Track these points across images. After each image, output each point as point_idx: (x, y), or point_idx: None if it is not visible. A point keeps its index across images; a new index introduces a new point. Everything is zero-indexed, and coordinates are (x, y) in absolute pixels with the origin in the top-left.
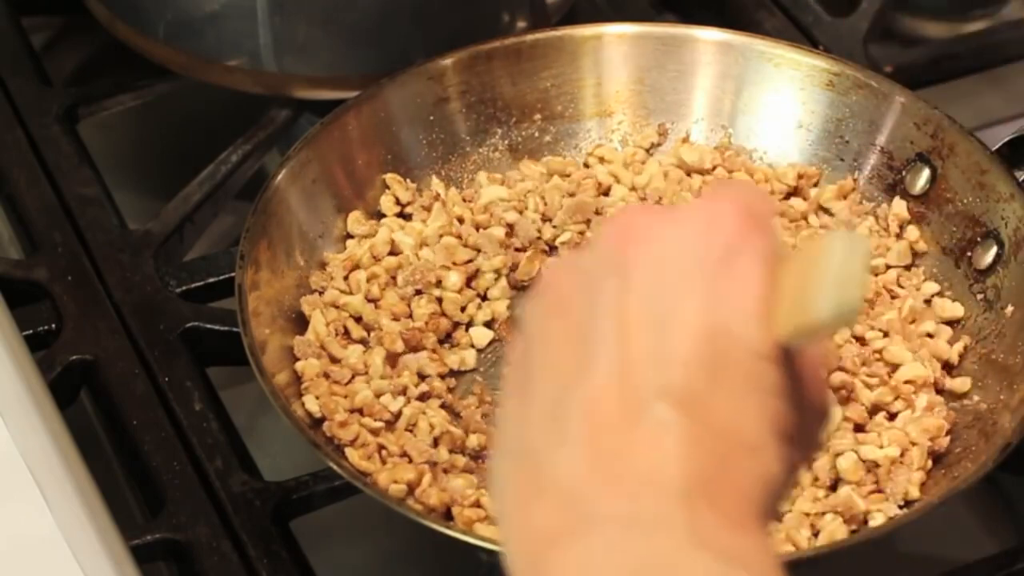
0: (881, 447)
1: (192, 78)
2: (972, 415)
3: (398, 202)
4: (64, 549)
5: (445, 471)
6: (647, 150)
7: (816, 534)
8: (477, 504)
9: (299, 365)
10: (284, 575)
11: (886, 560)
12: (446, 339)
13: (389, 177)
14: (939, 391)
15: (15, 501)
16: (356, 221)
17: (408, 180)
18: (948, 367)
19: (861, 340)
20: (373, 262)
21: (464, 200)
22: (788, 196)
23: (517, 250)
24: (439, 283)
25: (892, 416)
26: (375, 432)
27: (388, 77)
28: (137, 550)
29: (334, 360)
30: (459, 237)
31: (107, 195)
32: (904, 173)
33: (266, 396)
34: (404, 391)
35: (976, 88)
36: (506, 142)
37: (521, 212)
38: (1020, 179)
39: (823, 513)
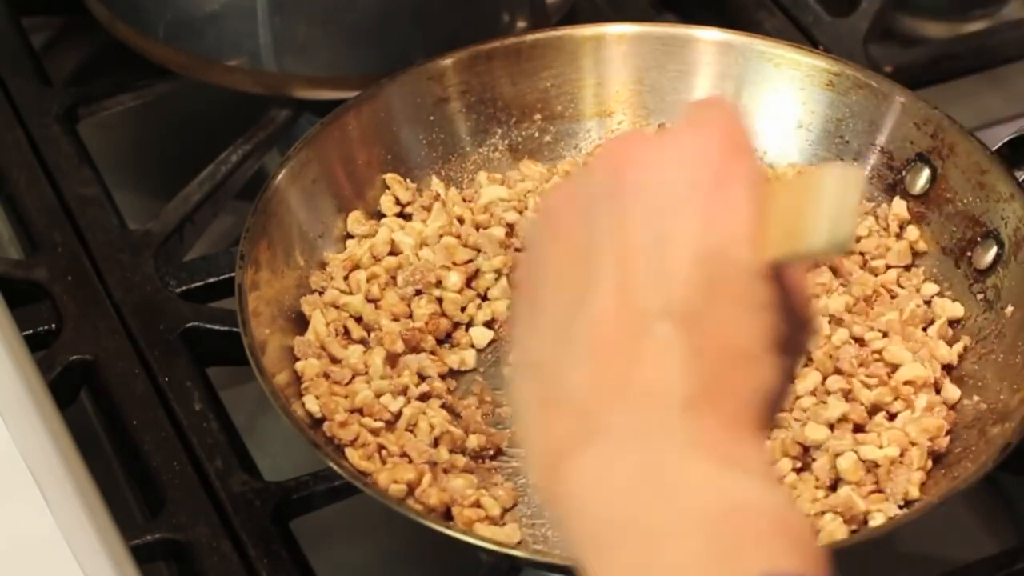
0: (881, 447)
1: (192, 78)
2: (972, 415)
3: (398, 202)
4: (64, 549)
5: (445, 471)
6: None
7: (816, 534)
8: (477, 504)
9: (299, 365)
10: (284, 575)
11: (886, 560)
12: (446, 339)
13: (389, 177)
14: (938, 391)
15: (15, 501)
16: (356, 221)
17: (408, 180)
18: (948, 367)
19: (860, 341)
20: (373, 262)
21: (464, 200)
22: None
23: (517, 250)
24: (439, 283)
25: (892, 416)
26: (375, 432)
27: (388, 77)
28: (137, 550)
29: (334, 360)
30: (459, 237)
31: (107, 195)
32: (904, 173)
33: (266, 396)
34: (404, 391)
35: (976, 88)
36: (506, 142)
37: (521, 212)
38: (1020, 179)
39: (823, 513)
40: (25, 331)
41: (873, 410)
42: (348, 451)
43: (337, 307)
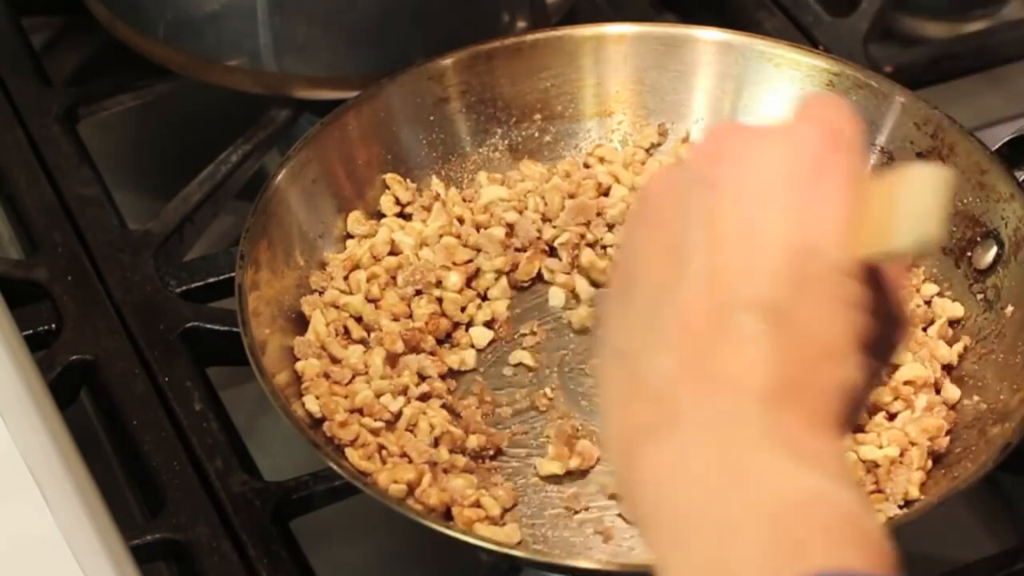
0: (881, 447)
1: (192, 78)
2: (972, 415)
3: (398, 202)
4: (64, 549)
5: (445, 471)
6: (647, 150)
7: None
8: (477, 504)
9: (299, 365)
10: (284, 575)
11: None
12: (446, 339)
13: (389, 177)
14: (938, 391)
15: (15, 501)
16: (356, 221)
17: (408, 180)
18: (948, 367)
19: None
20: (373, 262)
21: (464, 200)
22: None
23: (517, 250)
24: (439, 283)
25: (892, 416)
26: (375, 432)
27: (388, 77)
28: (137, 550)
29: (334, 360)
30: (459, 237)
31: (107, 195)
32: None
33: (266, 396)
34: (404, 391)
35: (976, 88)
36: (506, 142)
37: (521, 212)
38: (1020, 179)
39: None
40: (25, 331)
41: (873, 410)
42: (348, 451)
43: (337, 307)
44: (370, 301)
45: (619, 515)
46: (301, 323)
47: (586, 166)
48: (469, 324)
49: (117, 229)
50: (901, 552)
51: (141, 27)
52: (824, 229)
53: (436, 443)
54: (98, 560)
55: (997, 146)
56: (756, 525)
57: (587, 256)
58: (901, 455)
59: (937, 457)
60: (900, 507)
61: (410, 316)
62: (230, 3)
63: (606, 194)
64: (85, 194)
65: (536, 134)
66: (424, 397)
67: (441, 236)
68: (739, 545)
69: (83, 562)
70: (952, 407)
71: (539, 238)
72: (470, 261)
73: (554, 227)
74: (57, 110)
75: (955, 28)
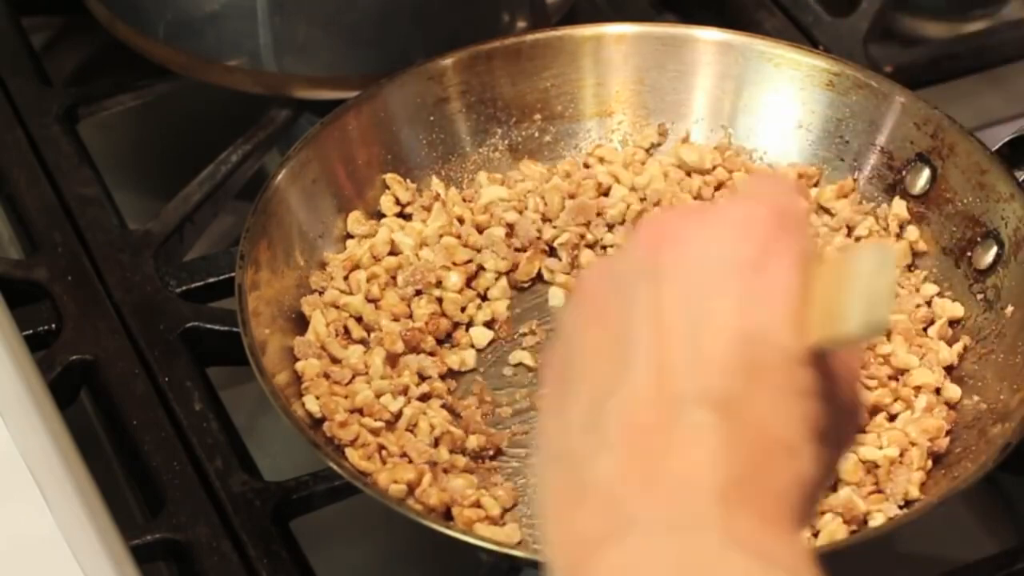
0: (881, 448)
1: (192, 78)
2: (972, 415)
3: (398, 202)
4: (64, 549)
5: (445, 471)
6: (647, 150)
7: (816, 534)
8: (477, 504)
9: (299, 365)
10: (284, 575)
11: (886, 560)
12: (446, 339)
13: (389, 177)
14: (939, 391)
15: (15, 501)
16: (356, 221)
17: (408, 180)
18: (948, 367)
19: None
20: (373, 262)
21: (464, 200)
22: None
23: (517, 250)
24: (439, 283)
25: (892, 417)
26: (375, 432)
27: (388, 77)
28: (137, 550)
29: (334, 360)
30: (459, 237)
31: (107, 195)
32: (904, 173)
33: (266, 396)
34: (404, 391)
35: (976, 88)
36: (506, 142)
37: (521, 212)
38: (1020, 179)
39: (823, 513)
40: (25, 331)
41: (873, 411)
42: (348, 451)
43: (337, 307)
44: (370, 301)
45: None
46: (301, 323)
47: (586, 166)
48: (469, 324)
49: (117, 229)
50: (901, 552)
51: (141, 27)
52: (773, 316)
53: (436, 443)
54: (98, 560)
55: (997, 146)
56: None
57: (587, 256)
58: (901, 455)
59: (937, 457)
60: (900, 507)
61: (410, 316)
62: (230, 3)
63: (606, 194)
64: (85, 194)
65: (536, 134)
66: (424, 397)
67: (441, 236)
68: None
69: (83, 562)
70: (952, 407)
71: (539, 238)
72: (470, 261)
73: (554, 227)
74: (57, 110)
75: (955, 28)
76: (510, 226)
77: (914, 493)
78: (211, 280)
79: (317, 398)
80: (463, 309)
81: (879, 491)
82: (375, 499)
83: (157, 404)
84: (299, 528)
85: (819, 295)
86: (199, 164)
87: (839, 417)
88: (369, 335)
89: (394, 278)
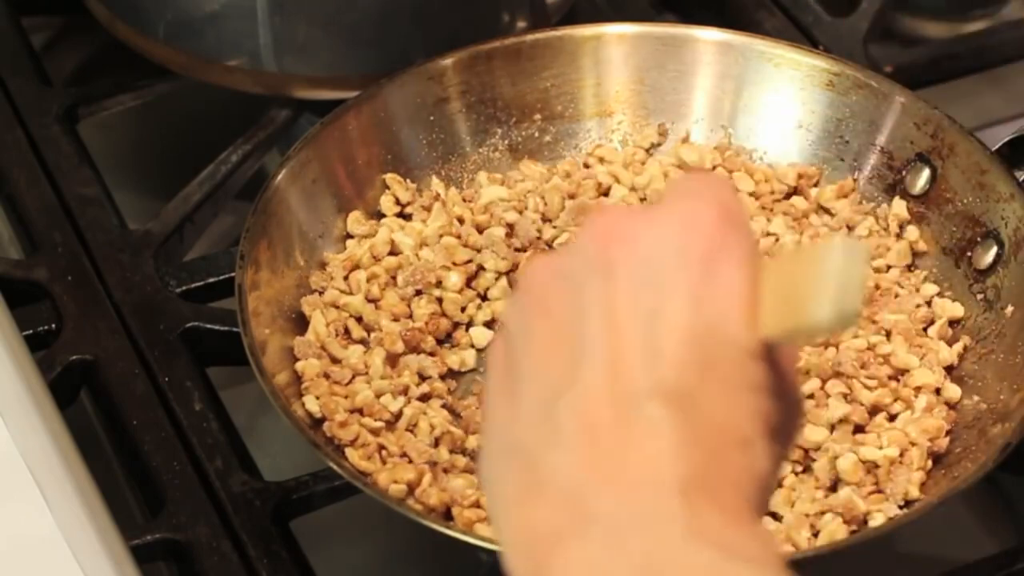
0: (881, 448)
1: (192, 78)
2: (972, 415)
3: (398, 202)
4: (64, 549)
5: (445, 471)
6: (647, 150)
7: (816, 534)
8: (477, 504)
9: (299, 365)
10: (284, 575)
11: (886, 560)
12: (446, 339)
13: (389, 177)
14: (939, 391)
15: (15, 501)
16: (356, 221)
17: (408, 180)
18: (948, 367)
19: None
20: (373, 262)
21: (464, 200)
22: (789, 195)
23: (517, 250)
24: (439, 283)
25: (892, 417)
26: (375, 432)
27: (388, 77)
28: (137, 550)
29: (334, 360)
30: (459, 237)
31: (107, 195)
32: (904, 173)
33: (266, 396)
34: (404, 391)
35: (976, 88)
36: (506, 142)
37: (521, 212)
38: (1020, 179)
39: (823, 513)
40: (25, 331)
41: (873, 411)
42: (348, 451)
43: (337, 307)
44: (370, 301)
45: None
46: (301, 323)
47: (586, 166)
48: (469, 324)
49: (117, 229)
50: (901, 552)
51: (141, 27)
52: (725, 310)
53: (436, 443)
54: (98, 560)
55: (997, 146)
56: None
57: None
58: (901, 455)
59: (937, 457)
60: (900, 507)
61: (410, 316)
62: (230, 3)
63: (606, 194)
64: (85, 194)
65: (536, 134)
66: (424, 397)
67: (441, 236)
68: None
69: (83, 562)
70: (952, 407)
71: (539, 238)
72: (470, 261)
73: (554, 227)
74: (57, 110)
75: (955, 28)
76: (510, 226)
77: (914, 493)
78: (211, 280)
79: (317, 398)
80: (463, 309)
81: (879, 491)
82: (375, 499)
83: (157, 404)
84: (299, 528)
85: (778, 288)
86: (199, 164)
87: (787, 411)
88: (369, 335)
89: (394, 278)
